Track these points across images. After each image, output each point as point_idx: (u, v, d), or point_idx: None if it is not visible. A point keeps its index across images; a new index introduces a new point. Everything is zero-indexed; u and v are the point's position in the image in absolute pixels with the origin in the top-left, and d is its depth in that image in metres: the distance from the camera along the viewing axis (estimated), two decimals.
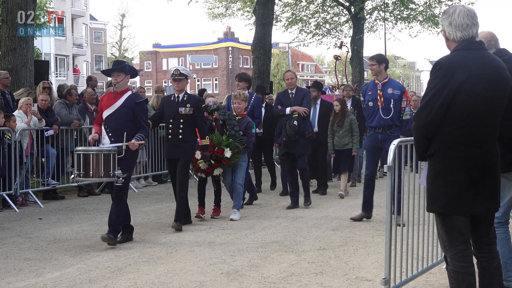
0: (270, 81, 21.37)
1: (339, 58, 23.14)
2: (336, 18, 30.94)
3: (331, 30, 31.11)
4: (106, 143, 7.59)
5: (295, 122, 9.94)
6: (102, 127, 7.69)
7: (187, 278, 5.96)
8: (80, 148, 7.84)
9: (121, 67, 7.76)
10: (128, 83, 7.98)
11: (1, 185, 10.24)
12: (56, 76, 49.80)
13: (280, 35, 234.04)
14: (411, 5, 29.96)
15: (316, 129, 11.43)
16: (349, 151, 11.60)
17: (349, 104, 12.82)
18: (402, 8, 30.16)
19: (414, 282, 5.54)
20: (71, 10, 54.39)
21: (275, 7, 23.84)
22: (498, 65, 4.05)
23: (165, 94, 15.03)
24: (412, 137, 4.22)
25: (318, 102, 11.78)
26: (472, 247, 4.08)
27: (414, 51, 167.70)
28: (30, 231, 8.52)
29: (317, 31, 30.76)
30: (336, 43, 29.52)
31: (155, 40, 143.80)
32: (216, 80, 76.39)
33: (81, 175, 7.41)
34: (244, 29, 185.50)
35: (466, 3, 22.32)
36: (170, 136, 8.58)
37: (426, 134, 3.99)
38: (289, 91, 10.45)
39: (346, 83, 26.47)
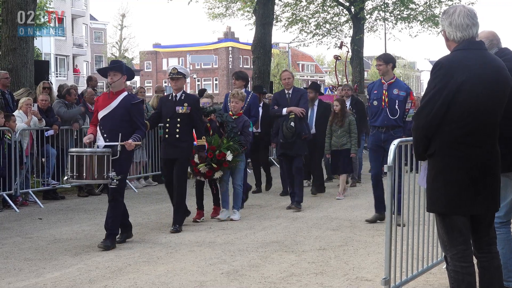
0: (270, 81, 21.38)
1: (339, 58, 23.17)
2: (336, 18, 30.96)
3: (331, 30, 31.12)
4: (101, 144, 7.46)
5: (292, 124, 9.86)
6: (98, 128, 7.59)
7: (187, 278, 5.96)
8: (73, 149, 7.70)
9: (118, 66, 7.66)
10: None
11: (1, 185, 10.25)
12: (56, 76, 49.80)
13: (280, 35, 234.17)
14: (411, 5, 29.98)
15: (313, 130, 11.35)
16: (347, 151, 11.43)
17: (348, 104, 12.77)
18: (402, 8, 30.18)
19: (414, 282, 5.54)
20: (71, 10, 54.41)
21: (275, 7, 23.85)
22: (498, 65, 4.05)
23: (165, 94, 15.01)
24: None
25: (316, 103, 11.67)
26: (472, 247, 4.08)
27: (414, 51, 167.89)
28: (30, 231, 8.52)
29: (317, 31, 30.77)
30: (336, 43, 29.55)
31: (155, 40, 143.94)
32: (216, 80, 76.41)
33: (74, 176, 7.29)
34: (244, 29, 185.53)
35: (466, 3, 22.33)
36: (167, 136, 8.48)
37: (426, 134, 3.99)
38: (286, 91, 10.36)
39: (346, 83, 26.50)
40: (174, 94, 8.56)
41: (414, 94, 9.63)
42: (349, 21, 30.13)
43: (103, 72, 7.94)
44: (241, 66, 73.56)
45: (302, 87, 14.01)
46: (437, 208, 4.03)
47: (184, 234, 8.10)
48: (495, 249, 4.16)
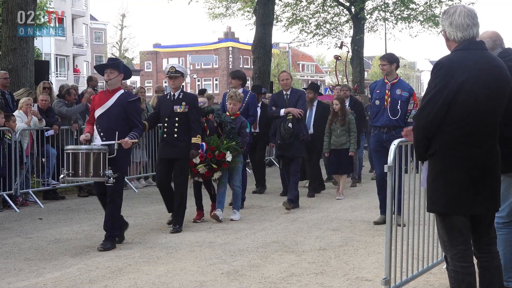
0: (270, 81, 21.38)
1: (339, 58, 23.18)
2: (336, 18, 30.99)
3: (332, 30, 31.14)
4: (98, 143, 7.37)
5: (290, 125, 9.79)
6: (94, 127, 7.50)
7: (188, 278, 5.96)
8: (69, 147, 7.60)
9: (115, 64, 7.57)
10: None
11: (1, 185, 10.25)
12: (57, 76, 49.82)
13: (280, 35, 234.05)
14: (412, 5, 30.00)
15: (311, 131, 11.25)
16: (346, 151, 11.27)
17: (346, 105, 12.69)
18: (403, 8, 30.20)
19: (415, 282, 5.54)
20: (71, 10, 54.43)
21: (276, 7, 23.86)
22: (498, 65, 4.05)
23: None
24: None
25: (315, 104, 11.57)
26: (472, 247, 4.08)
27: (415, 51, 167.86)
28: (30, 231, 8.52)
29: (318, 31, 30.79)
30: (336, 43, 29.58)
31: (156, 40, 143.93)
32: (216, 80, 76.43)
33: (70, 174, 7.20)
34: (245, 29, 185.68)
35: (466, 3, 22.34)
36: (165, 135, 8.40)
37: (426, 134, 3.98)
38: (284, 92, 10.30)
39: (346, 82, 26.50)
40: (172, 93, 8.49)
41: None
42: (349, 21, 30.15)
43: (100, 69, 7.83)
44: (241, 66, 73.56)
45: (302, 88, 13.93)
46: (437, 208, 4.03)
47: (184, 234, 8.10)
48: (495, 249, 4.16)
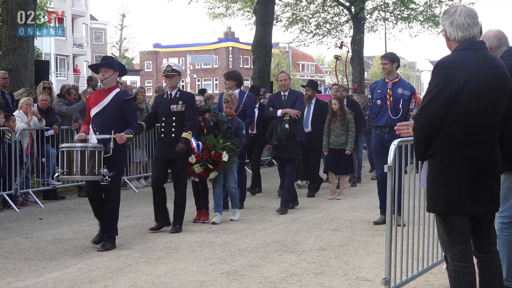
0: (270, 81, 21.39)
1: (339, 58, 23.16)
2: (336, 18, 31.00)
3: (332, 30, 31.15)
4: (94, 142, 7.31)
5: (287, 126, 9.66)
6: (90, 126, 7.44)
7: (188, 278, 5.96)
8: (64, 145, 7.52)
9: (110, 63, 7.48)
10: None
11: (1, 185, 10.25)
12: (57, 76, 49.83)
13: (280, 35, 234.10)
14: (412, 5, 30.01)
15: (309, 129, 11.19)
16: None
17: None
18: (403, 8, 30.22)
19: (415, 282, 5.54)
20: (71, 10, 54.44)
21: (276, 7, 23.88)
22: (498, 65, 4.05)
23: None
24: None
25: (313, 101, 11.48)
26: (472, 247, 4.08)
27: (415, 51, 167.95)
28: (30, 231, 8.52)
29: (318, 31, 30.80)
30: (336, 43, 29.57)
31: (156, 40, 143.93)
32: (216, 80, 76.41)
33: (65, 173, 7.12)
34: (245, 29, 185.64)
35: (466, 3, 22.34)
36: (163, 135, 8.33)
37: (427, 134, 3.98)
38: (282, 93, 10.19)
39: (346, 82, 26.50)
40: (169, 92, 8.42)
41: None
42: (349, 21, 30.17)
43: (95, 68, 7.78)
44: (241, 66, 73.59)
45: (301, 87, 13.84)
46: (437, 208, 4.03)
47: (184, 234, 8.10)
48: (495, 249, 4.16)
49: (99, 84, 15.99)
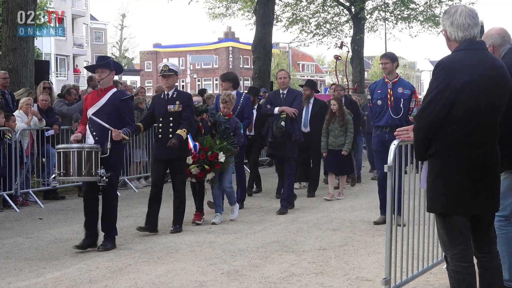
0: (270, 81, 21.39)
1: (339, 58, 23.18)
2: (336, 18, 30.99)
3: (332, 30, 31.15)
4: (91, 142, 7.24)
5: (282, 123, 9.56)
6: (87, 127, 7.38)
7: (188, 278, 5.96)
8: (61, 145, 7.47)
9: (106, 63, 7.43)
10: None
11: (2, 185, 10.25)
12: (57, 76, 49.84)
13: (280, 35, 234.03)
14: (412, 5, 30.01)
15: (308, 129, 11.14)
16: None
17: None
18: (403, 8, 30.22)
19: (415, 282, 5.54)
20: (71, 10, 54.44)
21: (276, 7, 23.88)
22: (499, 65, 4.05)
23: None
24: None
25: (311, 101, 11.40)
26: (472, 247, 4.08)
27: (415, 51, 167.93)
28: (30, 231, 8.52)
29: (318, 31, 30.80)
30: (336, 43, 29.59)
31: (156, 40, 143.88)
32: (216, 80, 76.31)
33: (62, 174, 7.06)
34: (245, 29, 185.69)
35: (467, 3, 22.34)
36: (160, 136, 8.26)
37: (427, 134, 3.98)
38: (281, 92, 10.11)
39: (346, 82, 26.50)
40: (166, 93, 8.36)
41: None
42: (350, 21, 30.17)
43: (91, 69, 7.71)
44: (241, 66, 73.62)
45: (300, 88, 13.75)
46: (437, 208, 4.03)
47: (184, 234, 8.10)
48: (495, 249, 4.16)
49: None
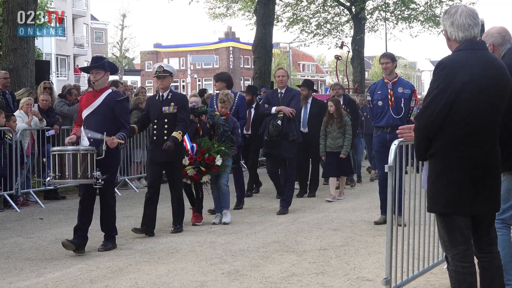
0: (271, 81, 21.39)
1: (340, 58, 23.21)
2: (337, 18, 31.00)
3: (332, 30, 31.16)
4: (86, 144, 7.17)
5: (279, 122, 9.48)
6: (82, 128, 7.30)
7: (188, 278, 5.96)
8: (55, 148, 7.41)
9: (100, 64, 7.38)
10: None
11: (2, 185, 10.26)
12: (57, 76, 49.83)
13: (281, 35, 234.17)
14: (412, 5, 30.01)
15: (306, 129, 11.07)
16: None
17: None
18: (403, 8, 30.23)
19: (415, 282, 5.54)
20: (72, 10, 54.43)
21: (276, 7, 23.88)
22: (499, 65, 4.05)
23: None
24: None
25: (309, 101, 11.28)
26: (473, 247, 4.08)
27: (415, 51, 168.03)
28: (31, 231, 8.53)
29: (318, 31, 30.81)
30: (337, 43, 29.63)
31: (156, 40, 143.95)
32: None
33: (57, 177, 6.98)
34: (245, 29, 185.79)
35: (467, 3, 22.34)
36: (155, 138, 8.17)
37: (427, 134, 3.98)
38: (279, 91, 10.02)
39: (347, 82, 26.51)
40: (161, 94, 8.26)
41: None
42: (350, 21, 30.17)
43: (86, 70, 7.62)
44: (241, 66, 73.61)
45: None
46: (438, 208, 4.03)
47: (185, 234, 8.10)
48: (496, 249, 4.16)
49: None
